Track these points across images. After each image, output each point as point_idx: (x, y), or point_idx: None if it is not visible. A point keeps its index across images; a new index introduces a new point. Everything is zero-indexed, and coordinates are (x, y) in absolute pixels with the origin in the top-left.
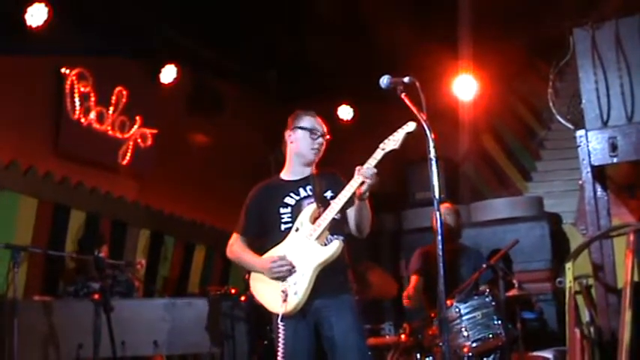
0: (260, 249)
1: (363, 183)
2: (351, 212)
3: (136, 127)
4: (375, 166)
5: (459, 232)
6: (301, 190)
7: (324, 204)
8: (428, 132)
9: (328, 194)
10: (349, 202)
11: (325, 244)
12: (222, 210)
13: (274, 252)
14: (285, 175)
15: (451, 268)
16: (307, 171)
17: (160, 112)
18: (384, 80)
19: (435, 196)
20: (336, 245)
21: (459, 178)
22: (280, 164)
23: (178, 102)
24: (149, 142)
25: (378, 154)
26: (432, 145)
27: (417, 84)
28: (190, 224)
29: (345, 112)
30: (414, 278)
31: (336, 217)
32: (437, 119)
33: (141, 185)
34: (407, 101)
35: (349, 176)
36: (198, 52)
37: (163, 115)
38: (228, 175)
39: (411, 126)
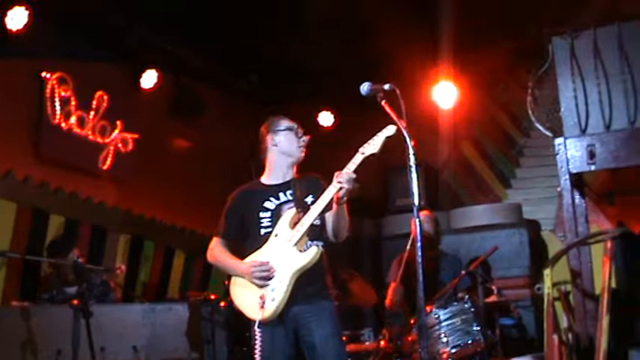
0: (240, 253)
1: (341, 188)
2: (328, 217)
3: (116, 131)
4: (355, 171)
5: (438, 239)
6: (281, 194)
7: (304, 209)
8: (408, 139)
9: (309, 199)
10: (328, 207)
11: (304, 250)
12: (202, 214)
13: (254, 258)
14: (265, 179)
15: (430, 275)
16: (289, 175)
17: (140, 116)
18: (365, 87)
19: (414, 203)
20: (313, 252)
21: (438, 185)
22: (261, 169)
23: (159, 106)
24: (130, 146)
25: (357, 159)
26: (411, 152)
27: (397, 91)
28: (170, 229)
29: (326, 119)
30: (393, 285)
31: (315, 222)
32: (417, 126)
33: (121, 190)
34: (387, 108)
35: (330, 182)
36: (179, 57)
37: (144, 119)
38: (209, 180)
39: (390, 130)
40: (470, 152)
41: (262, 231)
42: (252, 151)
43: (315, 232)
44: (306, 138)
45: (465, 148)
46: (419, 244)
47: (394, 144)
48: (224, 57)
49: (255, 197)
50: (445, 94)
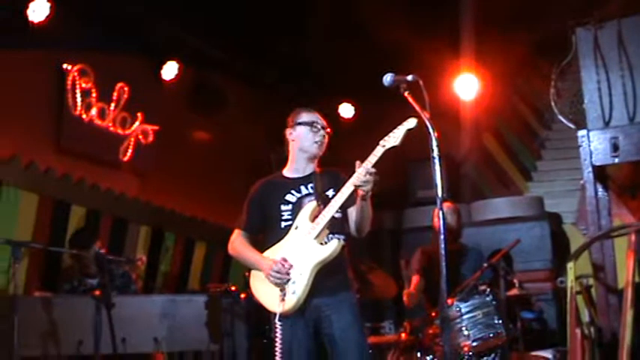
0: (260, 245)
1: (362, 184)
2: (352, 211)
3: (137, 123)
4: (375, 164)
5: (460, 231)
6: (302, 187)
7: (324, 202)
8: (431, 130)
9: (330, 193)
10: (350, 201)
11: (324, 243)
12: (222, 207)
13: (274, 251)
14: (287, 172)
15: (452, 268)
16: (310, 168)
17: (161, 108)
18: (388, 78)
19: (437, 195)
20: (334, 244)
21: (459, 177)
22: (281, 163)
23: (180, 99)
24: (150, 138)
25: (378, 151)
26: (435, 143)
27: (421, 82)
28: (191, 221)
29: (347, 110)
30: (415, 278)
31: (335, 215)
32: (439, 118)
33: (142, 182)
34: (410, 100)
35: (351, 175)
36: (200, 49)
37: (165, 111)
38: (229, 173)
39: (411, 122)
40: (491, 144)
41: (283, 224)
42: (273, 145)
43: (336, 225)
44: (323, 133)
45: (486, 140)
46: (442, 236)
47: (415, 135)
48: (245, 51)
49: (276, 189)
50: (467, 85)
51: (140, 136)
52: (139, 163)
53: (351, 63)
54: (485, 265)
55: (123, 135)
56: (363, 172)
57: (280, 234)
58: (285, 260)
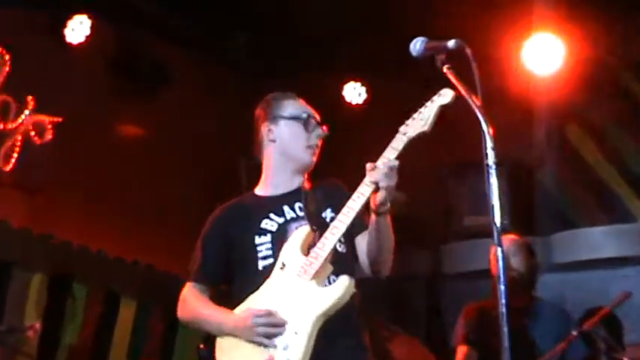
0: (227, 302)
1: (378, 187)
2: (361, 239)
3: (26, 113)
4: (396, 159)
5: (533, 279)
6: (286, 208)
7: (321, 227)
8: (484, 124)
9: (327, 213)
10: (359, 225)
11: (327, 285)
12: (165, 242)
13: (253, 302)
14: (261, 189)
15: (519, 335)
16: (297, 182)
17: (65, 89)
18: (417, 45)
19: (494, 223)
20: (343, 284)
21: (532, 194)
22: (255, 173)
23: (95, 74)
24: (48, 136)
25: (398, 143)
26: (489, 143)
27: (468, 50)
28: (114, 264)
29: (354, 93)
30: (462, 350)
31: (339, 247)
32: (498, 104)
33: (33, 204)
34: (452, 78)
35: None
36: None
37: (71, 94)
38: (176, 189)
39: (446, 96)
40: (582, 143)
41: (261, 264)
42: (241, 146)
43: (342, 262)
44: (320, 132)
45: (572, 135)
46: (502, 286)
47: (460, 131)
48: (196, 5)
49: (247, 216)
50: (542, 53)
51: (31, 133)
52: (29, 174)
53: (358, 23)
54: (573, 332)
55: (3, 130)
56: (381, 168)
57: (257, 279)
58: (270, 314)
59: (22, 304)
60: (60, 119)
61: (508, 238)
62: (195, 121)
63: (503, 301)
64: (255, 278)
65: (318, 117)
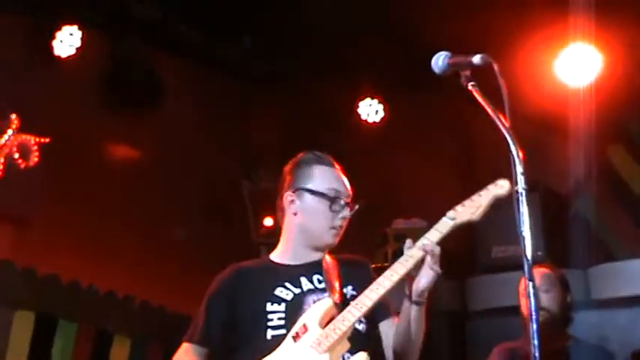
0: None
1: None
2: (388, 327)
3: (9, 132)
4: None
5: (568, 317)
6: (304, 280)
7: (342, 302)
8: (513, 149)
9: (349, 291)
10: (383, 311)
11: None
12: (162, 275)
13: None
14: (277, 256)
15: None
16: (316, 256)
17: (52, 106)
18: (440, 60)
19: (525, 255)
20: None
21: (568, 223)
22: (258, 197)
23: (85, 89)
24: (33, 158)
25: (444, 227)
26: (519, 168)
27: (495, 66)
28: (106, 300)
29: (370, 110)
30: None
31: (359, 325)
32: (528, 123)
33: (17, 234)
34: (478, 96)
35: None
36: (120, 4)
37: (60, 110)
38: (173, 217)
39: (503, 188)
40: (625, 165)
41: (270, 332)
42: (245, 165)
43: (360, 341)
44: (347, 213)
45: (615, 157)
46: (534, 325)
47: (486, 154)
48: (196, 9)
49: (259, 282)
50: (579, 64)
51: (15, 155)
52: (13, 202)
53: (378, 33)
54: None
55: None
56: (423, 243)
57: (264, 349)
58: None
59: (3, 344)
60: (47, 139)
61: (539, 272)
62: (194, 136)
63: (536, 342)
64: (262, 347)
65: (348, 192)
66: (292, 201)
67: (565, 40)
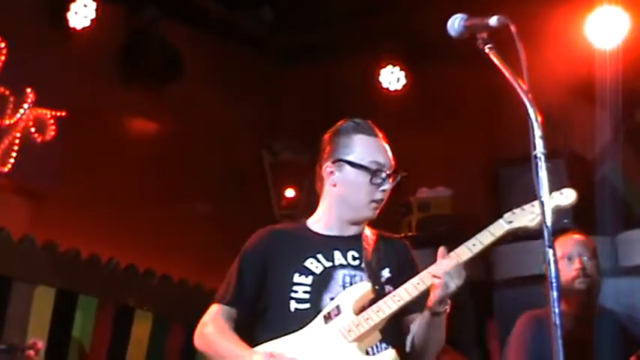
0: (252, 338)
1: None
2: (411, 325)
3: (25, 106)
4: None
5: (597, 285)
6: (337, 254)
7: (379, 286)
8: (530, 110)
9: (385, 273)
10: (418, 303)
11: (371, 354)
12: (183, 249)
13: (281, 346)
14: (314, 224)
15: (583, 349)
16: (353, 229)
17: (68, 80)
18: (455, 23)
19: (544, 222)
20: (388, 359)
21: (593, 190)
22: (280, 167)
23: (102, 62)
24: (50, 132)
25: (498, 230)
26: (537, 132)
27: (513, 28)
28: (127, 275)
29: (392, 78)
30: None
31: (393, 319)
32: (552, 87)
33: (36, 209)
34: (495, 60)
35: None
36: None
37: (74, 85)
38: (193, 190)
39: (568, 197)
40: None
41: (294, 305)
42: (265, 137)
43: (391, 333)
44: (388, 186)
45: None
46: (554, 293)
47: (512, 121)
48: None
49: (293, 249)
50: (606, 26)
51: (31, 130)
52: (31, 176)
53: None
54: None
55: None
56: (451, 264)
57: (287, 321)
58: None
59: (24, 321)
60: (63, 113)
61: (575, 239)
62: (213, 109)
63: (557, 310)
64: (284, 319)
65: (391, 162)
66: (332, 172)
67: (592, 2)
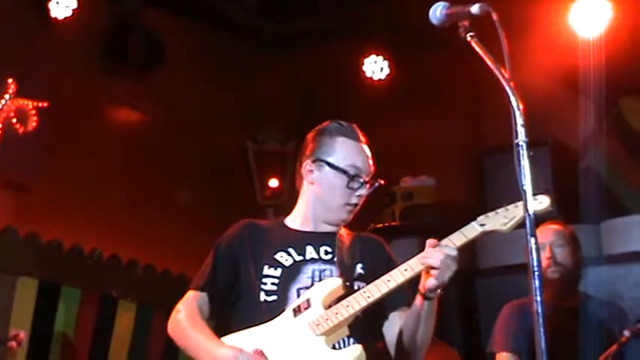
0: (226, 327)
1: (431, 271)
2: (399, 315)
3: (7, 97)
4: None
5: (578, 274)
6: (309, 248)
7: (351, 283)
8: (512, 99)
9: (358, 268)
10: (401, 297)
11: (338, 348)
12: (165, 239)
13: (242, 338)
14: (291, 221)
15: (566, 339)
16: (330, 227)
17: (50, 69)
18: (437, 11)
19: (527, 210)
20: (354, 354)
21: (577, 178)
22: (264, 156)
23: (83, 51)
24: (32, 123)
25: (471, 232)
26: (519, 120)
27: (495, 16)
28: (110, 266)
29: (376, 67)
30: (503, 357)
31: (362, 315)
32: (535, 75)
33: (17, 200)
34: (477, 48)
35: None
36: None
37: (58, 74)
38: (177, 180)
39: (542, 203)
40: (636, 117)
41: (263, 297)
42: (250, 127)
43: (360, 330)
44: (364, 192)
45: (627, 109)
46: (536, 282)
47: (495, 110)
48: None
49: (266, 242)
50: (589, 15)
51: (13, 120)
52: (13, 167)
53: None
54: (626, 333)
55: None
56: (444, 254)
57: (256, 312)
58: (261, 355)
59: (7, 312)
60: (45, 104)
61: (551, 228)
62: (197, 98)
63: (539, 298)
64: (254, 310)
65: (370, 168)
66: (311, 170)
67: None
